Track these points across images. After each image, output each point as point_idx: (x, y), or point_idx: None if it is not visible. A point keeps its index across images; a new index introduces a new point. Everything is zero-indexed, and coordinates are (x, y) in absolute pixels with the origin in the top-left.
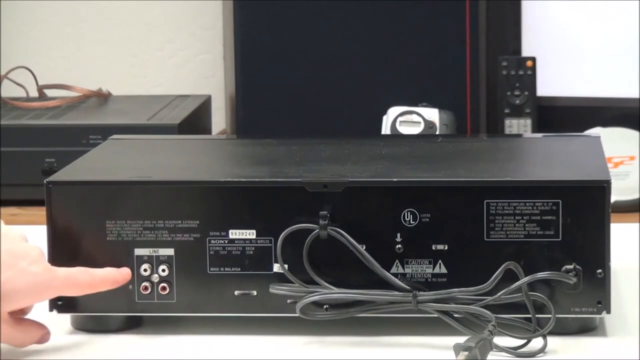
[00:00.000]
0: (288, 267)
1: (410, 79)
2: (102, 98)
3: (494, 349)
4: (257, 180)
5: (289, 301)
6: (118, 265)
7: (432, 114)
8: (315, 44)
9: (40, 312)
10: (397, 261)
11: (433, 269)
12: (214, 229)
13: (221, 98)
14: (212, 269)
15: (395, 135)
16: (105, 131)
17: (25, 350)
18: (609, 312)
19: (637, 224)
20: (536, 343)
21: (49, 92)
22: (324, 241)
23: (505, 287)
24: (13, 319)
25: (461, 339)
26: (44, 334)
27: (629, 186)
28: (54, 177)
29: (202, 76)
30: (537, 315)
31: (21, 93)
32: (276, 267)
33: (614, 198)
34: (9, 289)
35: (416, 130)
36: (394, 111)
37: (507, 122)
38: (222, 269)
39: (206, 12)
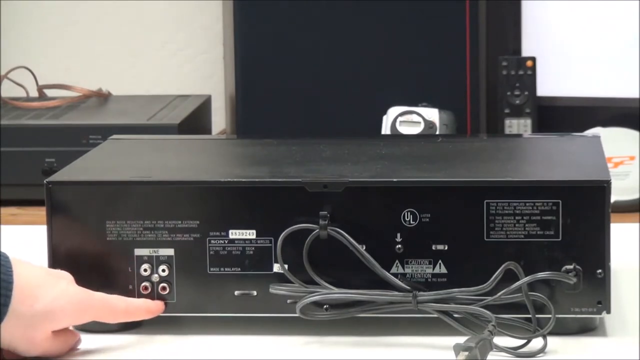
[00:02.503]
0: (288, 267)
1: (410, 79)
2: (102, 98)
3: (494, 349)
4: (257, 180)
5: (289, 301)
6: (118, 265)
7: (432, 114)
8: (315, 44)
9: None
10: (397, 261)
11: (433, 269)
12: (214, 229)
13: (221, 98)
14: (212, 269)
15: (395, 135)
16: (105, 131)
17: None
18: (609, 312)
19: (637, 224)
20: (536, 343)
21: (49, 92)
22: (324, 241)
23: (505, 287)
24: (53, 333)
25: (461, 339)
26: (77, 340)
27: (629, 186)
28: (54, 177)
29: (202, 76)
30: (537, 315)
31: (21, 93)
32: (276, 267)
33: (614, 198)
34: (56, 308)
35: (416, 130)
36: (394, 111)
37: (507, 122)
38: (222, 269)
39: (206, 12)
